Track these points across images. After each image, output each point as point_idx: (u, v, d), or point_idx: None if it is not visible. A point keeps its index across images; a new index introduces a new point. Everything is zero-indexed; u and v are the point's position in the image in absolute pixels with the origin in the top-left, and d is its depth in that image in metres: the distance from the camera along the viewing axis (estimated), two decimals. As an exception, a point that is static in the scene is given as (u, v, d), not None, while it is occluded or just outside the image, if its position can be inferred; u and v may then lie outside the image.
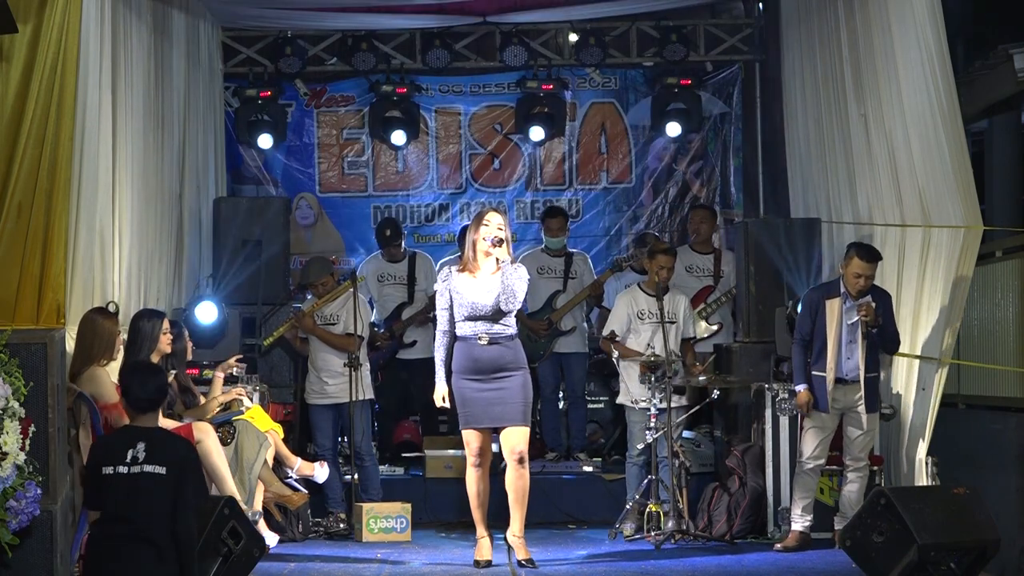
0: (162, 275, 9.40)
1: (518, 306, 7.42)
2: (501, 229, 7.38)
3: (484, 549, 7.50)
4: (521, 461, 7.44)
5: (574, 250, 10.55)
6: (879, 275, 8.13)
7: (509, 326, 7.44)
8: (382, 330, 10.23)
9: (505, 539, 7.57)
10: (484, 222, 7.42)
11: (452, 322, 7.48)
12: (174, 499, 5.50)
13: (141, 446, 5.49)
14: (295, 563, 7.65)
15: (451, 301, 7.45)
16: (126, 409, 5.99)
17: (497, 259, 7.35)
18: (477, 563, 7.46)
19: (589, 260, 10.54)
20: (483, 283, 7.41)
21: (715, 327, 9.64)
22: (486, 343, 7.37)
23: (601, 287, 10.06)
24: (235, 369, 8.46)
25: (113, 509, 5.49)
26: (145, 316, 7.67)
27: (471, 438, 7.49)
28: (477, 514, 7.54)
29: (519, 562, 7.43)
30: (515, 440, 7.43)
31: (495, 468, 7.97)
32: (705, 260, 10.32)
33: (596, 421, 10.71)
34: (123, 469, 5.45)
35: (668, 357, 8.28)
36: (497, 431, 7.55)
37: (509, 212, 12.18)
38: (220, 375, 8.31)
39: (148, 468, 5.47)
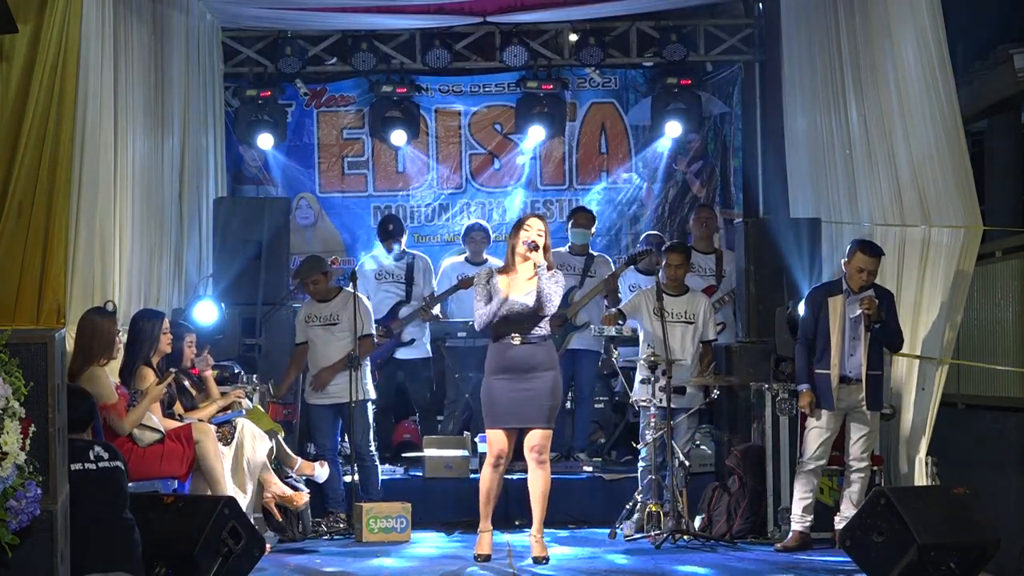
0: (162, 275, 9.40)
1: (554, 310, 7.58)
2: (541, 235, 7.52)
3: (484, 544, 7.61)
4: (542, 462, 7.57)
5: (596, 252, 10.53)
6: (880, 275, 8.13)
7: (542, 327, 7.58)
8: (377, 327, 10.13)
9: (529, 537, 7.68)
10: (525, 227, 7.59)
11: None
12: (125, 487, 6.14)
13: (99, 449, 6.04)
14: (295, 563, 7.65)
15: (490, 297, 7.58)
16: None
17: (535, 264, 7.48)
18: (476, 557, 7.55)
19: (611, 263, 10.48)
20: (521, 286, 7.55)
21: (718, 327, 9.62)
22: (519, 343, 7.49)
23: (616, 281, 10.00)
24: (209, 363, 8.36)
25: (87, 500, 5.83)
26: (145, 316, 7.67)
27: (494, 438, 7.58)
28: (484, 509, 7.63)
29: (534, 559, 7.53)
30: (537, 441, 7.56)
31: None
32: (707, 260, 10.31)
33: (596, 421, 10.69)
34: (91, 466, 5.95)
35: (668, 356, 8.30)
36: (521, 431, 7.62)
37: (507, 212, 12.18)
38: (210, 373, 8.29)
39: (114, 463, 6.03)
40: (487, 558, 7.55)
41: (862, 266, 7.79)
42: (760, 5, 11.90)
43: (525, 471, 7.88)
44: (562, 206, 12.04)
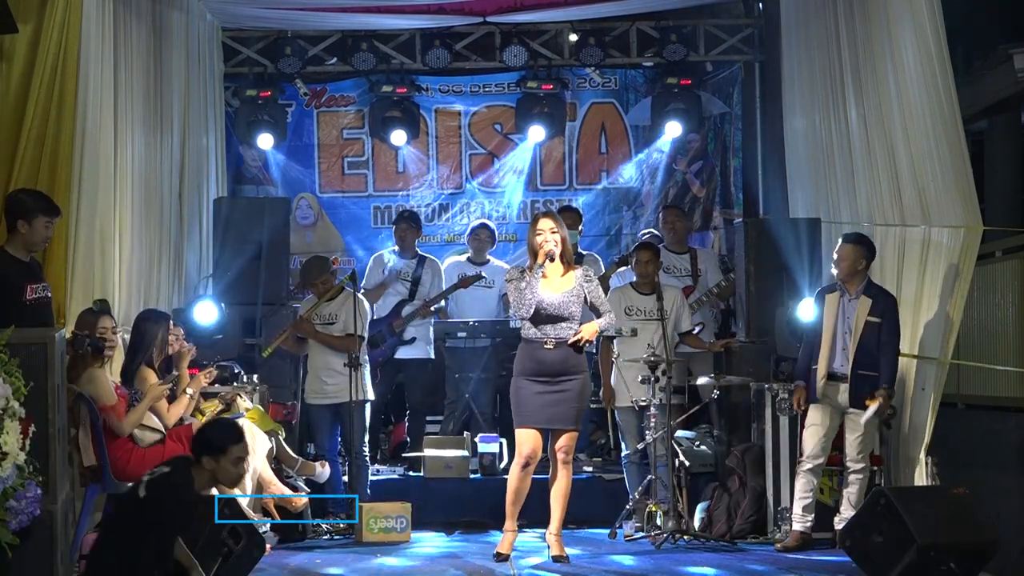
0: (162, 275, 9.40)
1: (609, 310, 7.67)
2: (555, 232, 7.50)
3: (507, 543, 7.60)
4: (567, 462, 7.59)
5: (585, 252, 10.51)
6: (880, 275, 8.13)
7: (572, 328, 7.53)
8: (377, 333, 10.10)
9: (544, 538, 7.69)
10: (537, 230, 7.54)
11: None
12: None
13: None
14: (295, 563, 7.65)
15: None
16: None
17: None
18: (498, 555, 7.54)
19: (601, 262, 10.46)
20: (551, 283, 7.51)
21: (697, 328, 9.56)
22: (552, 347, 7.45)
23: (606, 282, 9.98)
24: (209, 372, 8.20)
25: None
26: (151, 318, 7.63)
27: (524, 438, 7.55)
28: (511, 509, 7.62)
29: (553, 558, 7.53)
30: (564, 441, 7.57)
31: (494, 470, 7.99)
32: (682, 260, 10.22)
33: (595, 421, 10.69)
34: None
35: (668, 356, 8.31)
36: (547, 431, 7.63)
37: (507, 212, 12.18)
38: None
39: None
40: (506, 558, 7.51)
41: (835, 255, 7.86)
42: (760, 5, 11.90)
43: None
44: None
